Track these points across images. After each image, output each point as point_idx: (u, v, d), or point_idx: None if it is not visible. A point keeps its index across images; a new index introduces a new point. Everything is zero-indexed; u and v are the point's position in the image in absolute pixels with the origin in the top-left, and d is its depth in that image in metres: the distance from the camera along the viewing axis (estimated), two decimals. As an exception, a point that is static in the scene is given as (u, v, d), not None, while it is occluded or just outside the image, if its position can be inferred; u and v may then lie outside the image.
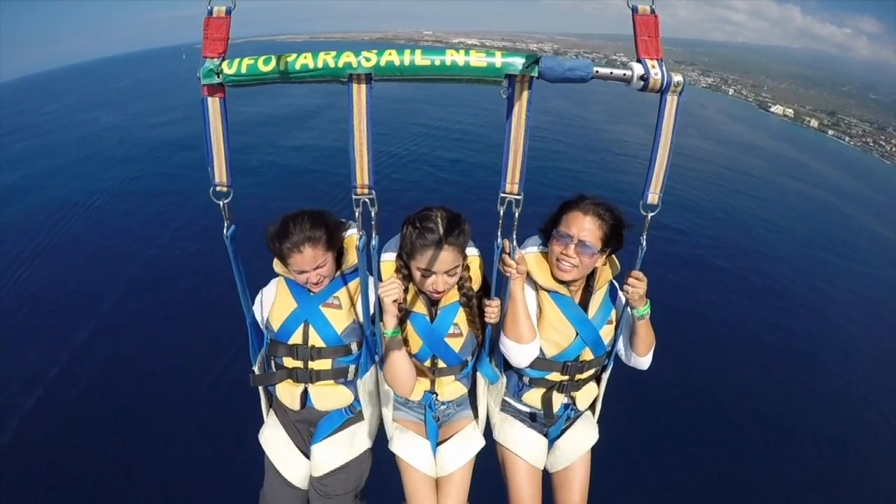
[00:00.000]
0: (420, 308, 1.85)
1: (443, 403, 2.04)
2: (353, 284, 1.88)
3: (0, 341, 7.76)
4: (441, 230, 1.66)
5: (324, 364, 1.89)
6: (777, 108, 79.28)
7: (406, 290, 1.79)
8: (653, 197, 1.43)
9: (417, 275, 1.74)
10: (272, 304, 1.90)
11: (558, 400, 1.99)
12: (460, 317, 1.86)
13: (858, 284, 13.08)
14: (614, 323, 1.93)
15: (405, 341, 1.84)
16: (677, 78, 1.30)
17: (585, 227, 1.74)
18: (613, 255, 1.92)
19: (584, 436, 2.09)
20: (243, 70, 1.29)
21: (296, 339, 1.87)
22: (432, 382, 1.97)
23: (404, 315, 1.83)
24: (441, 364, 1.91)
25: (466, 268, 1.84)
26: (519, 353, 1.82)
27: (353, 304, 1.88)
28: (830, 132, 70.23)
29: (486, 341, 1.87)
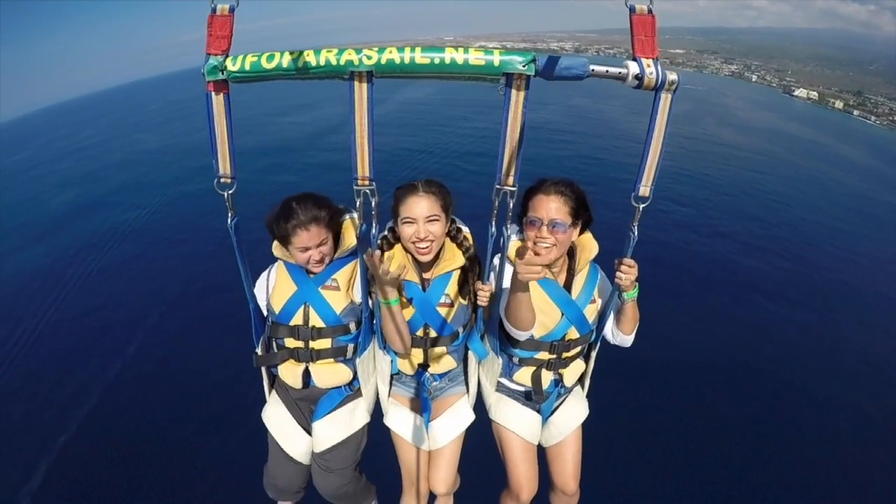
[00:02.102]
0: (412, 277, 1.93)
1: (435, 379, 2.14)
2: (350, 267, 1.95)
3: (62, 352, 7.90)
4: (419, 183, 1.86)
5: (324, 343, 1.97)
6: (801, 92, 77.72)
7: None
8: (644, 189, 1.48)
9: (404, 229, 1.84)
10: (273, 288, 1.97)
11: (547, 377, 2.09)
12: (451, 287, 1.95)
13: (854, 243, 13.02)
14: (597, 302, 2.02)
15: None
16: (672, 77, 1.33)
17: (552, 206, 1.81)
18: (591, 234, 1.99)
19: (575, 411, 2.21)
20: (247, 67, 1.33)
21: (297, 320, 1.94)
22: (425, 353, 2.05)
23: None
24: (433, 333, 1.99)
25: (458, 230, 1.99)
26: (519, 334, 1.92)
27: (350, 287, 1.95)
28: (856, 112, 68.62)
29: (478, 320, 1.98)
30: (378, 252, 1.71)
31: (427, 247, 1.85)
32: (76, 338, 8.15)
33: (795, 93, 78.47)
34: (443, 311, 1.96)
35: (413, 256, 1.92)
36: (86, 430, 6.20)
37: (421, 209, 1.82)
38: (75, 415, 6.47)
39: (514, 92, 1.33)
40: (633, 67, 1.32)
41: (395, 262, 1.89)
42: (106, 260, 11.02)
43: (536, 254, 1.80)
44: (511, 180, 1.45)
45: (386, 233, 1.98)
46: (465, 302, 1.99)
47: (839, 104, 73.32)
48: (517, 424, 2.11)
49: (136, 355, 7.54)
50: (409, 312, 1.94)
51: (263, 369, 2.14)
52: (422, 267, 1.96)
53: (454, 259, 1.94)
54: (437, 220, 1.84)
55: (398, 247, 1.96)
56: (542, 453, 2.22)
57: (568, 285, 1.98)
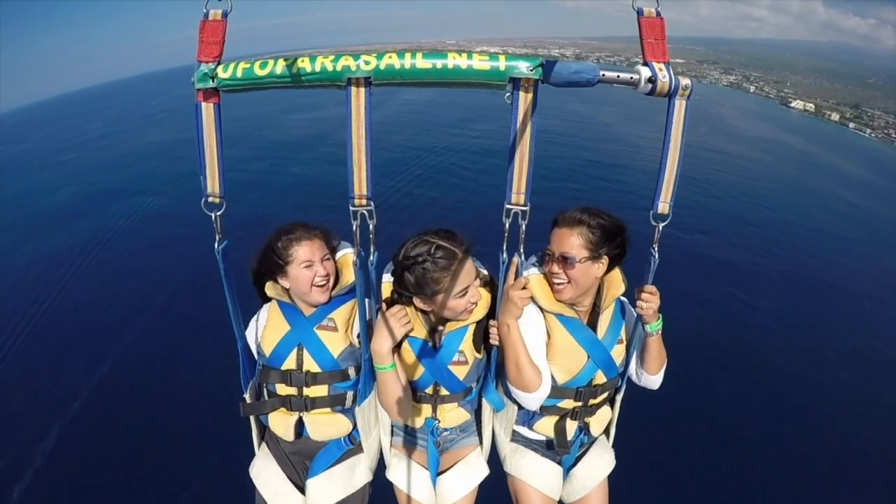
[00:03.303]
0: (420, 332, 1.71)
1: (445, 430, 1.92)
2: (349, 305, 1.79)
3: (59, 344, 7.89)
4: (450, 247, 1.54)
5: (320, 391, 1.78)
6: (797, 104, 78.79)
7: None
8: (663, 206, 1.35)
9: (454, 304, 1.59)
10: (264, 328, 1.80)
11: (572, 427, 1.88)
12: (466, 343, 1.73)
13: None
14: (625, 342, 1.84)
15: (405, 367, 1.73)
16: (685, 81, 1.27)
17: (564, 240, 1.64)
18: (620, 269, 1.80)
19: (600, 462, 2.00)
20: (239, 74, 1.26)
21: (289, 364, 1.76)
22: (434, 409, 1.85)
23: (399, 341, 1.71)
24: (444, 391, 1.79)
25: (488, 280, 1.77)
26: (527, 400, 1.71)
27: (349, 327, 1.78)
28: (851, 125, 69.59)
29: (493, 366, 1.77)
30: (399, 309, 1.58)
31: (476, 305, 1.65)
32: (74, 329, 8.24)
33: (792, 104, 79.56)
34: (456, 369, 1.73)
35: (422, 310, 1.69)
36: (82, 421, 6.25)
37: (470, 274, 1.58)
38: (70, 408, 6.49)
39: (522, 99, 1.25)
40: (645, 72, 1.25)
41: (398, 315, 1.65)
42: (108, 253, 11.04)
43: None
44: (522, 199, 1.33)
45: (391, 280, 1.70)
46: (480, 356, 1.77)
47: (835, 116, 74.27)
48: (536, 478, 1.90)
49: (126, 353, 7.50)
50: (416, 371, 1.73)
51: (252, 418, 1.94)
52: (432, 321, 1.73)
53: (475, 312, 1.70)
54: (477, 279, 1.65)
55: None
56: None
57: (593, 324, 1.79)
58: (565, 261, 1.63)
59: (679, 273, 9.66)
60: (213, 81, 1.26)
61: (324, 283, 1.74)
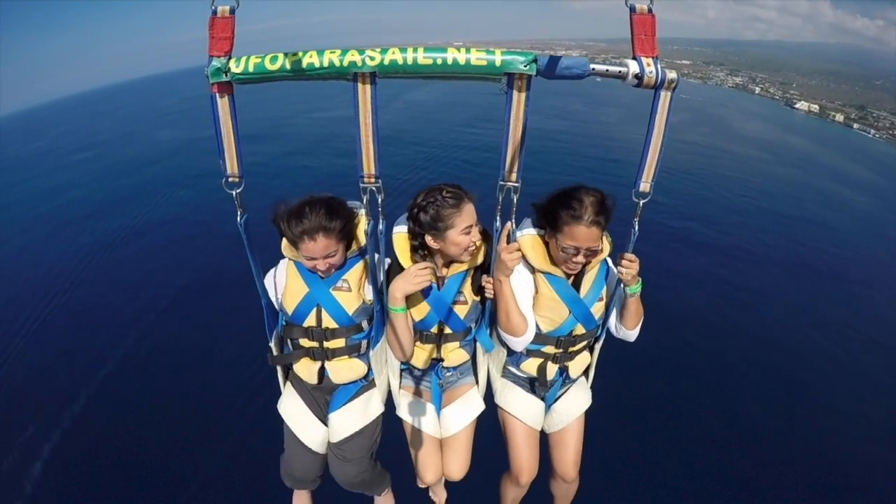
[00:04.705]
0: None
1: (447, 370, 2.20)
2: (360, 266, 1.96)
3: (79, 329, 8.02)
4: (457, 192, 1.83)
5: (338, 343, 2.00)
6: (802, 105, 77.51)
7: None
8: (644, 186, 1.52)
9: (459, 240, 1.82)
10: (284, 288, 1.97)
11: (552, 369, 2.14)
12: (465, 285, 1.99)
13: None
14: (605, 300, 2.05)
15: (414, 307, 1.96)
16: (671, 75, 1.35)
17: (591, 237, 1.81)
18: (606, 233, 2.00)
19: (578, 400, 2.26)
20: (250, 68, 1.33)
21: (310, 321, 1.95)
22: (438, 348, 2.10)
23: None
24: (447, 330, 2.04)
25: (485, 231, 2.00)
26: (514, 343, 1.97)
27: (361, 286, 1.96)
28: (856, 126, 68.54)
29: (486, 314, 2.02)
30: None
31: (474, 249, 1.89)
32: (82, 326, 8.25)
33: (797, 105, 78.24)
34: (458, 308, 2.00)
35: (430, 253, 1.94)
36: (95, 410, 6.30)
37: (473, 216, 1.84)
38: (85, 392, 6.59)
39: (515, 92, 1.35)
40: (633, 66, 1.33)
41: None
42: (121, 249, 11.11)
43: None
44: (514, 177, 1.50)
45: (411, 240, 1.93)
46: (477, 298, 2.02)
47: (839, 117, 73.06)
48: (521, 410, 2.17)
49: (139, 344, 7.60)
50: (423, 310, 1.97)
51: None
52: (438, 266, 1.97)
53: (473, 258, 1.95)
54: (476, 226, 1.87)
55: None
56: (544, 440, 2.28)
57: (577, 282, 2.01)
58: (591, 251, 1.85)
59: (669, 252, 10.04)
60: (226, 76, 1.33)
61: (324, 273, 1.89)
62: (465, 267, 1.95)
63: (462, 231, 1.81)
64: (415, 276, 1.77)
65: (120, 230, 12.16)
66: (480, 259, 1.97)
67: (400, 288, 1.78)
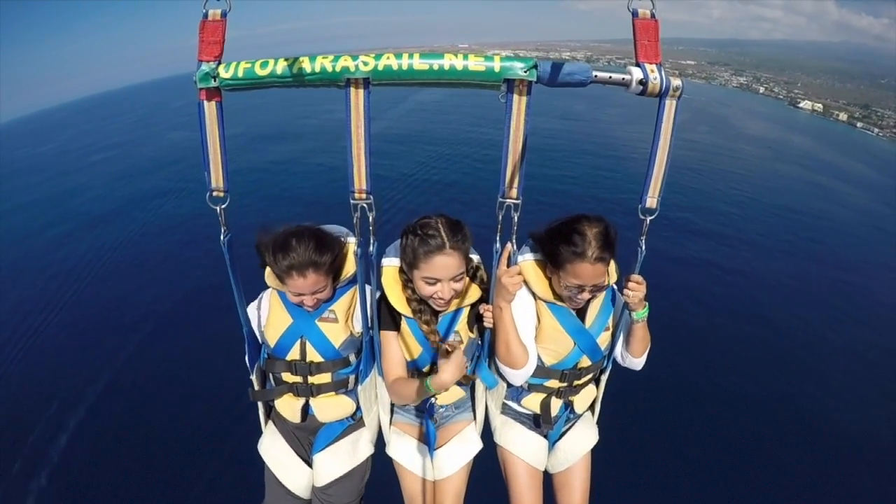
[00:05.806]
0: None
1: (441, 407, 2.04)
2: (348, 296, 1.83)
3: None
4: (444, 235, 1.63)
5: (324, 378, 1.86)
6: (806, 104, 77.79)
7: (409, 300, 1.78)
8: (651, 201, 1.42)
9: (421, 285, 1.69)
10: (267, 319, 1.85)
11: (556, 405, 1.99)
12: (461, 324, 1.84)
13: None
14: (611, 329, 1.92)
15: (407, 347, 1.83)
16: (676, 82, 1.30)
17: (597, 275, 1.69)
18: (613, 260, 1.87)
19: (584, 437, 2.10)
20: (240, 74, 1.28)
21: (293, 355, 1.83)
22: None
23: (399, 320, 1.81)
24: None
25: (477, 267, 1.86)
26: (514, 376, 1.83)
27: (349, 317, 1.83)
28: (859, 124, 68.66)
29: (486, 346, 1.83)
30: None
31: (448, 300, 1.72)
32: (81, 336, 8.36)
33: (800, 104, 78.68)
34: None
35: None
36: (90, 423, 6.44)
37: (448, 271, 1.64)
38: (84, 399, 6.79)
39: (515, 99, 1.28)
40: (637, 73, 1.28)
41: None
42: (119, 258, 11.22)
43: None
44: (514, 192, 1.38)
45: (401, 275, 1.78)
46: (474, 335, 1.87)
47: (843, 116, 73.33)
48: (522, 449, 2.01)
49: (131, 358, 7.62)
50: (416, 350, 1.84)
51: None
52: (432, 307, 1.81)
53: (469, 295, 1.80)
54: (462, 277, 1.70)
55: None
56: (548, 480, 2.10)
57: (582, 311, 1.88)
58: (597, 288, 1.74)
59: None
60: (214, 81, 1.28)
61: (310, 307, 1.77)
62: (462, 304, 1.80)
63: (426, 280, 1.66)
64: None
65: (138, 228, 12.32)
66: (477, 296, 1.82)
67: (454, 375, 1.58)
